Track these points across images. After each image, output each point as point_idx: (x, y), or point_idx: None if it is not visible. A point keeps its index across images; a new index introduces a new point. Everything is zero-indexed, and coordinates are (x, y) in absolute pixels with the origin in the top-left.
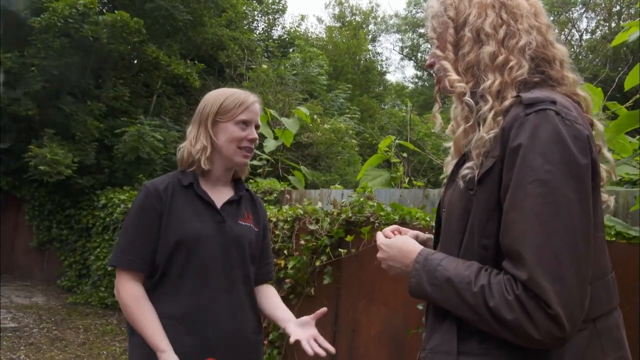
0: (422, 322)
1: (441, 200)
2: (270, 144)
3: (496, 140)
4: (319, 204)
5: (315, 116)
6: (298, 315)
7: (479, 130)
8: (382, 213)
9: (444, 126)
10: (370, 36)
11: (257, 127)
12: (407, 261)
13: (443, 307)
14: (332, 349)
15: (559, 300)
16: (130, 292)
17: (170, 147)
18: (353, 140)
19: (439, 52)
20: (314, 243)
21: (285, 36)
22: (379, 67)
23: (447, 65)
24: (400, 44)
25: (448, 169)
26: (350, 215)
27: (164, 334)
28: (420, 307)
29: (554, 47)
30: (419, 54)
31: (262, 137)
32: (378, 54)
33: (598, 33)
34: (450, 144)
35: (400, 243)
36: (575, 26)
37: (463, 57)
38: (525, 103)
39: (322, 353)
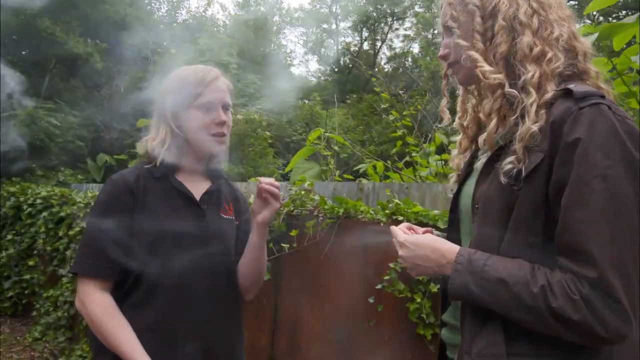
0: (372, 316)
1: (458, 195)
2: None
3: (543, 133)
4: (252, 197)
5: None
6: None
7: (522, 123)
8: (326, 207)
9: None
10: (274, 28)
11: (225, 106)
12: (442, 261)
13: (487, 309)
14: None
15: (627, 297)
16: (100, 302)
17: (67, 134)
18: (266, 132)
19: (462, 42)
20: None
21: (191, 21)
22: (283, 59)
23: (476, 55)
24: (304, 38)
25: (456, 162)
26: (292, 209)
27: (143, 349)
28: (371, 300)
29: (578, 39)
30: (323, 49)
31: None
32: (283, 46)
33: None
34: (458, 138)
35: (430, 241)
36: None
37: (495, 48)
38: (577, 97)
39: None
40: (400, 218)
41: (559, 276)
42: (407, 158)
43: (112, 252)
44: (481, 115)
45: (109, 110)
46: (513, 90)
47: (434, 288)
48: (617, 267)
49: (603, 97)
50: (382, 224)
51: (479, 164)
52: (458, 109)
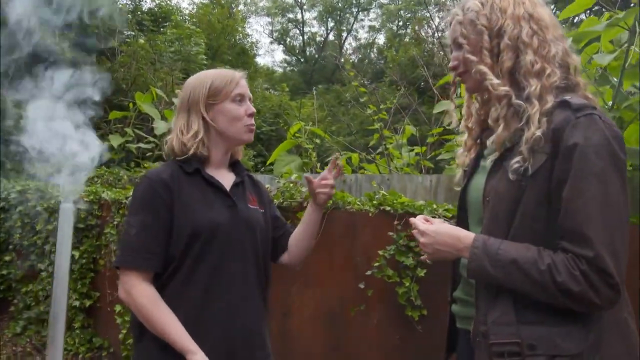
0: (363, 301)
1: (466, 188)
2: (161, 126)
3: (546, 138)
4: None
5: None
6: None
7: (527, 129)
8: None
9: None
10: (240, 17)
11: (250, 100)
12: (460, 246)
13: (499, 285)
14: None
15: (617, 272)
16: (145, 292)
17: None
18: None
19: (472, 57)
20: None
21: (157, 9)
22: (249, 49)
23: (485, 69)
24: (270, 28)
25: (461, 160)
26: (282, 201)
27: (188, 334)
28: (361, 286)
29: (570, 56)
30: (288, 39)
31: (150, 118)
32: (248, 35)
33: (447, 32)
34: (463, 138)
35: (448, 229)
36: (430, 24)
37: (501, 63)
38: (574, 108)
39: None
40: (387, 208)
41: (562, 256)
42: (381, 149)
43: (155, 246)
44: (489, 120)
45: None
46: (519, 101)
47: (421, 273)
48: (609, 248)
49: (595, 108)
50: (370, 214)
51: (487, 163)
52: (464, 112)
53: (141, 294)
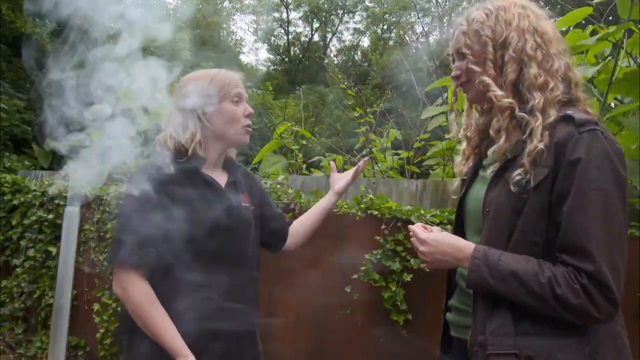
0: (348, 304)
1: (464, 198)
2: (144, 122)
3: (549, 151)
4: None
5: None
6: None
7: (530, 141)
8: (302, 200)
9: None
10: (224, 14)
11: (246, 100)
12: (461, 256)
13: (496, 296)
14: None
15: (616, 286)
16: (142, 290)
17: (13, 117)
18: None
19: (476, 68)
20: None
21: (139, 2)
22: (234, 47)
23: (489, 80)
24: (254, 26)
25: (459, 168)
26: None
27: (181, 338)
28: (347, 289)
29: (572, 70)
30: (273, 38)
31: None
32: (233, 33)
33: (431, 37)
34: (463, 146)
35: (448, 239)
36: (413, 29)
37: (505, 75)
38: (577, 123)
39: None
40: (375, 213)
41: (562, 269)
42: (364, 152)
43: (150, 242)
44: (491, 131)
45: (56, 94)
46: (523, 114)
47: (407, 278)
48: (609, 263)
49: (597, 123)
50: (357, 218)
51: (488, 173)
52: (463, 121)
53: (137, 291)
